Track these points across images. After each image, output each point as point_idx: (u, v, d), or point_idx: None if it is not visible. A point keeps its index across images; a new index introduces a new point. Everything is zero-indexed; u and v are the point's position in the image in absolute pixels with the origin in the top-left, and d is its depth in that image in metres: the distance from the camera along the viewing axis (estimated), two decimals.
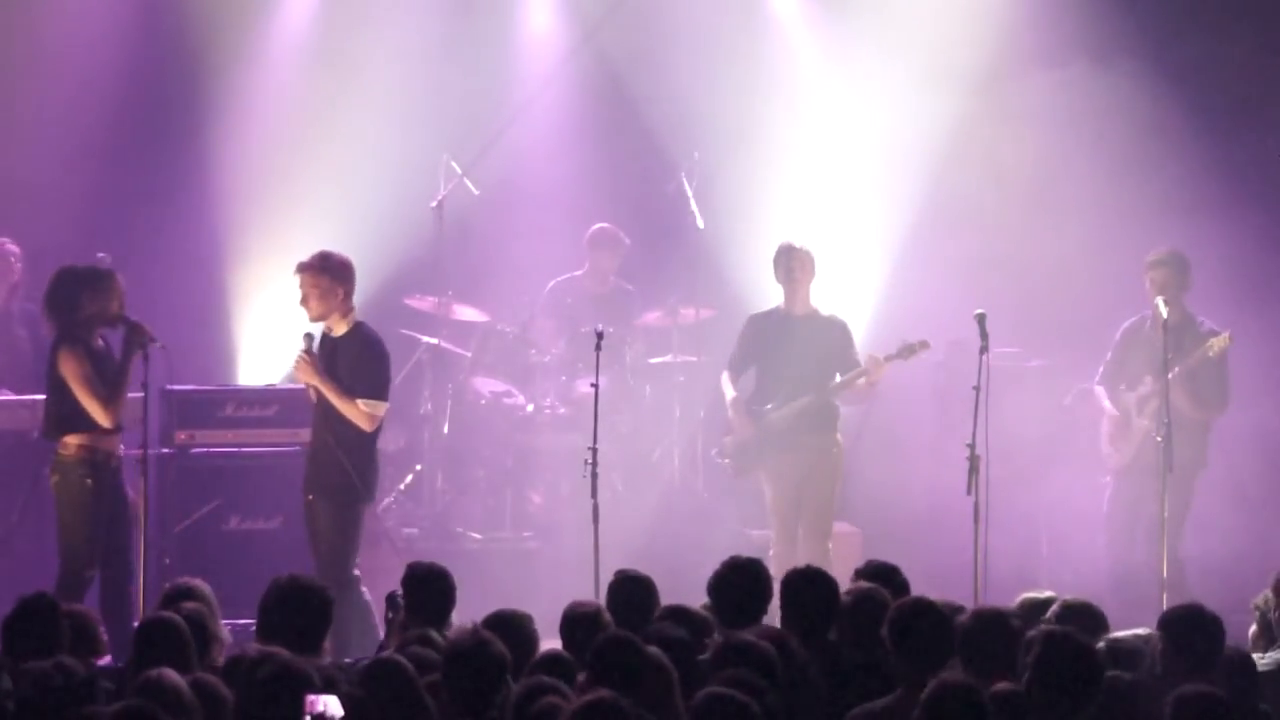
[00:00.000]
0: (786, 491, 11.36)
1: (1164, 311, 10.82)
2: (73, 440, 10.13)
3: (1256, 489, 12.28)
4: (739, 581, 7.61)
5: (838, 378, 11.25)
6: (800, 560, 10.98)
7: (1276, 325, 12.50)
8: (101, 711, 6.15)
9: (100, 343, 10.25)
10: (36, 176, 13.21)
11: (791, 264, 11.33)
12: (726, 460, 11.65)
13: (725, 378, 11.59)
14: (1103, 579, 11.26)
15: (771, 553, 11.31)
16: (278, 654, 6.50)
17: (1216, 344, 11.06)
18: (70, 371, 10.07)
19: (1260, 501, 12.23)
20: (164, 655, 6.77)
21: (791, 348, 11.33)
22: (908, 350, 11.17)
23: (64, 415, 10.13)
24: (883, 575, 7.88)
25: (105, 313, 10.16)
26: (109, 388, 10.07)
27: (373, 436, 10.33)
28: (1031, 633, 6.89)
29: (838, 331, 11.40)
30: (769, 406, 11.34)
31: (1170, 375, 10.81)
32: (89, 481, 10.08)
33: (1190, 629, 6.99)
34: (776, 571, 11.11)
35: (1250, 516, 12.23)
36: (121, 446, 10.28)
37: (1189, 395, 11.09)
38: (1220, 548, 11.69)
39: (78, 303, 10.13)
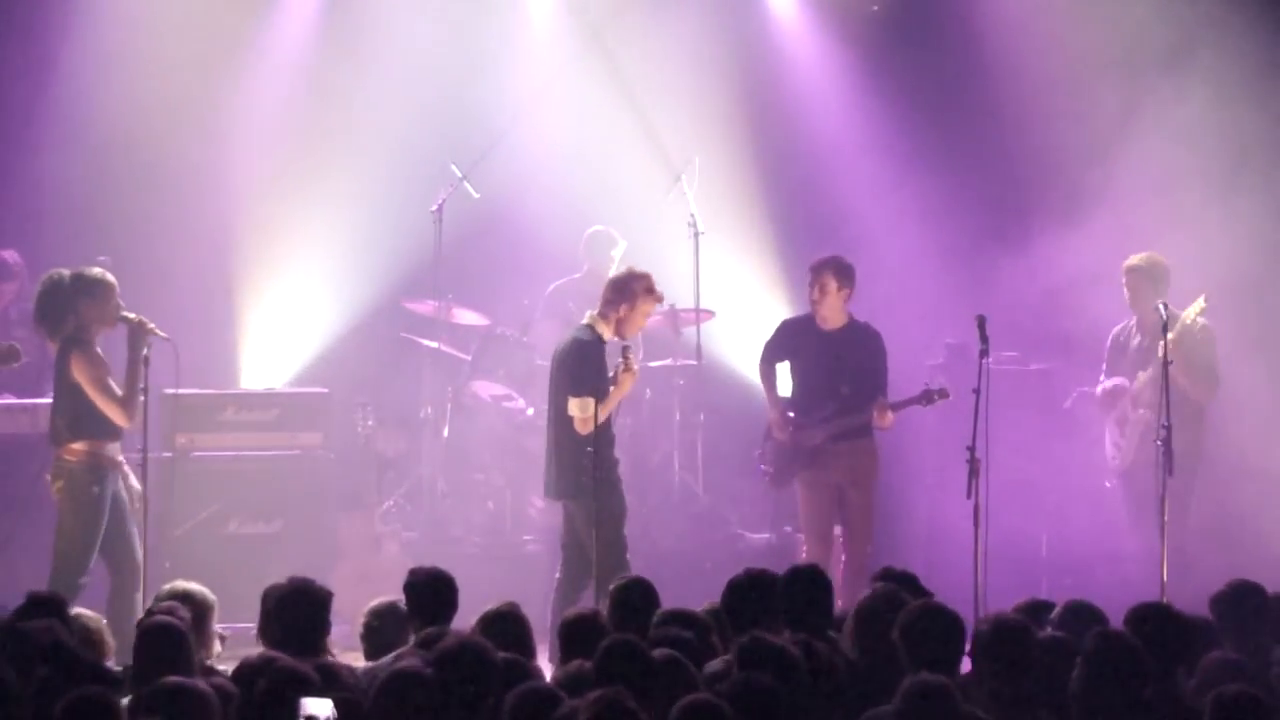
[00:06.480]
0: (824, 496, 11.23)
1: (1145, 313, 10.80)
2: (79, 446, 10.02)
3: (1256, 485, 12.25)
4: (757, 595, 7.44)
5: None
6: (841, 564, 11.01)
7: None
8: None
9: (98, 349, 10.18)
10: (39, 178, 13.23)
11: (824, 281, 11.21)
12: (767, 468, 11.55)
13: (762, 370, 11.46)
14: (1102, 581, 11.26)
15: (804, 556, 11.28)
16: (281, 660, 6.50)
17: (1191, 310, 11.08)
18: (84, 375, 9.98)
19: (1260, 499, 12.20)
20: (164, 658, 6.76)
21: (828, 362, 11.21)
22: (925, 398, 11.12)
23: (73, 421, 10.02)
24: (904, 584, 7.70)
25: (105, 316, 10.11)
26: (122, 389, 9.97)
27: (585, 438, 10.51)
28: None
29: (873, 345, 11.29)
30: (807, 419, 11.23)
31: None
32: (95, 489, 9.98)
33: (1156, 628, 6.92)
34: None
35: (1250, 514, 12.21)
36: (122, 453, 10.21)
37: (1186, 376, 11.10)
38: (1221, 546, 11.67)
39: (77, 310, 10.06)
